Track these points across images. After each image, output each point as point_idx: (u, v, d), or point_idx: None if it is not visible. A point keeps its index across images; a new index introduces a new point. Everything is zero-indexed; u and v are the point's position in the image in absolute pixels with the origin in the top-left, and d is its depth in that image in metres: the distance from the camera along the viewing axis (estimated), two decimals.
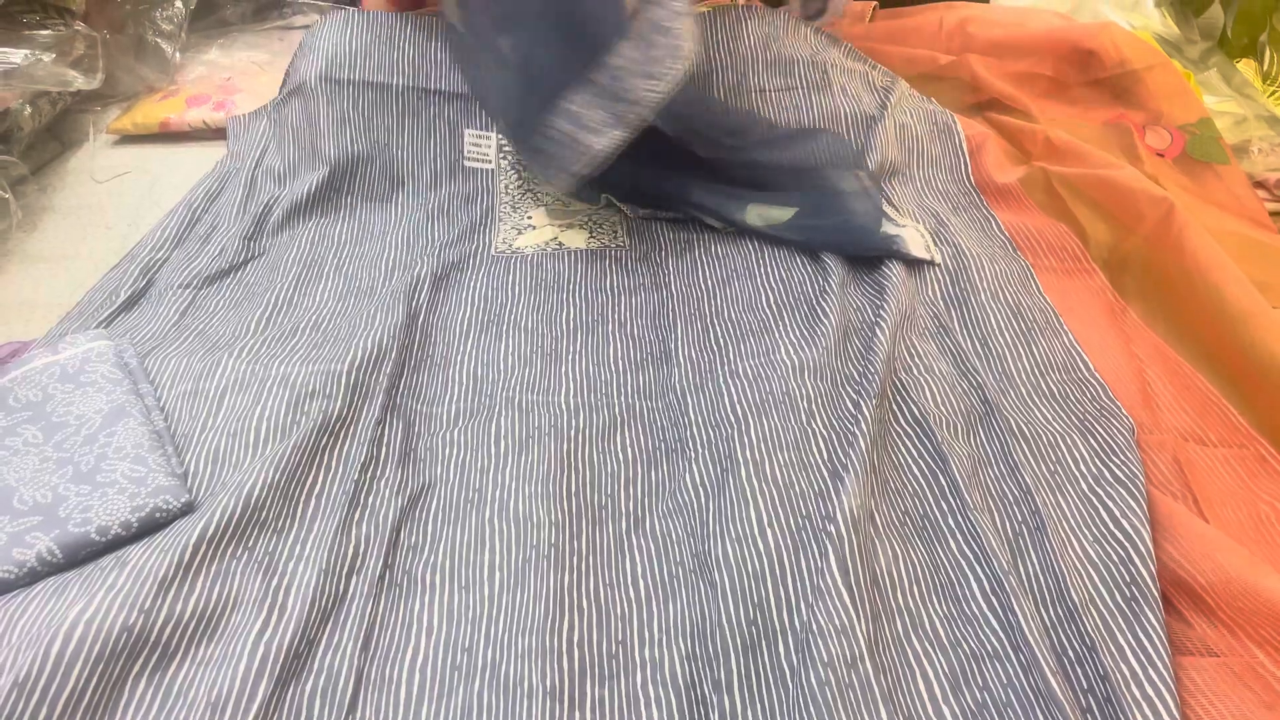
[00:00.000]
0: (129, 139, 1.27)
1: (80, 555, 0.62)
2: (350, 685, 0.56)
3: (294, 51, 1.19)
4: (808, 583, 0.58)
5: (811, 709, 0.51)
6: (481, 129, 1.16)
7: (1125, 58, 1.18)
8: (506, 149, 1.15)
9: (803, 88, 1.15)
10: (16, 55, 1.06)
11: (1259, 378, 0.72)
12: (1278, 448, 0.70)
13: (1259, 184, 1.23)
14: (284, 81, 1.18)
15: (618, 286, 0.95)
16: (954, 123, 1.14)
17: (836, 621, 0.54)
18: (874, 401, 0.71)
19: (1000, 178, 1.07)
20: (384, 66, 1.13)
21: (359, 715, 0.56)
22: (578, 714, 0.54)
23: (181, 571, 0.59)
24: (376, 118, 1.12)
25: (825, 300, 0.87)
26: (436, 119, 1.15)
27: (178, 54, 1.32)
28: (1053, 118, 1.21)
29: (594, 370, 0.84)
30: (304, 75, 1.13)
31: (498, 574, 0.64)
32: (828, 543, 0.59)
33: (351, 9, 1.19)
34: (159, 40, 1.31)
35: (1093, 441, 0.69)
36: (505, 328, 0.89)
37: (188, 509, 0.65)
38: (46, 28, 1.19)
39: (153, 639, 0.56)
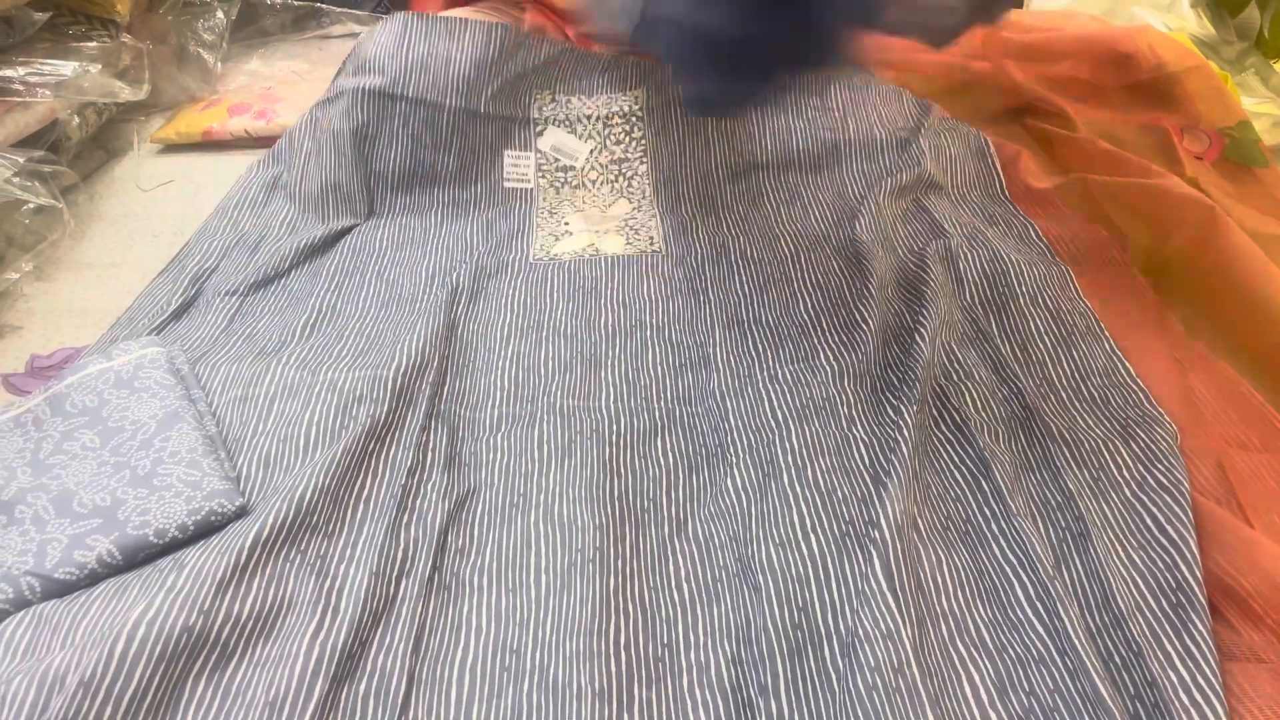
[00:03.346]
0: (172, 148, 1.30)
1: (139, 557, 0.63)
2: (403, 686, 0.57)
3: (345, 57, 1.18)
4: (852, 587, 0.58)
5: (859, 713, 0.52)
6: (520, 150, 1.17)
7: (1162, 60, 1.17)
8: (545, 167, 1.16)
9: (839, 110, 1.16)
10: (66, 68, 1.09)
11: None
12: None
13: None
14: (334, 83, 1.16)
15: (655, 292, 0.96)
16: (986, 143, 1.14)
17: (882, 626, 0.54)
18: (914, 407, 0.72)
19: (1037, 186, 1.07)
20: (438, 84, 1.11)
21: (411, 715, 0.57)
22: (626, 715, 0.55)
23: (238, 573, 0.60)
24: (425, 136, 1.12)
25: (864, 305, 0.87)
26: (480, 142, 1.15)
27: (219, 64, 1.34)
28: (1090, 121, 1.21)
29: (634, 375, 0.85)
30: (356, 84, 1.11)
31: (544, 577, 0.65)
32: (872, 548, 0.60)
33: (409, 14, 1.16)
34: (201, 50, 1.33)
35: (1135, 447, 0.69)
36: (545, 333, 0.90)
37: (241, 512, 0.67)
38: (92, 39, 1.22)
39: (212, 639, 0.57)
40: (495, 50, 1.14)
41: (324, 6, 1.49)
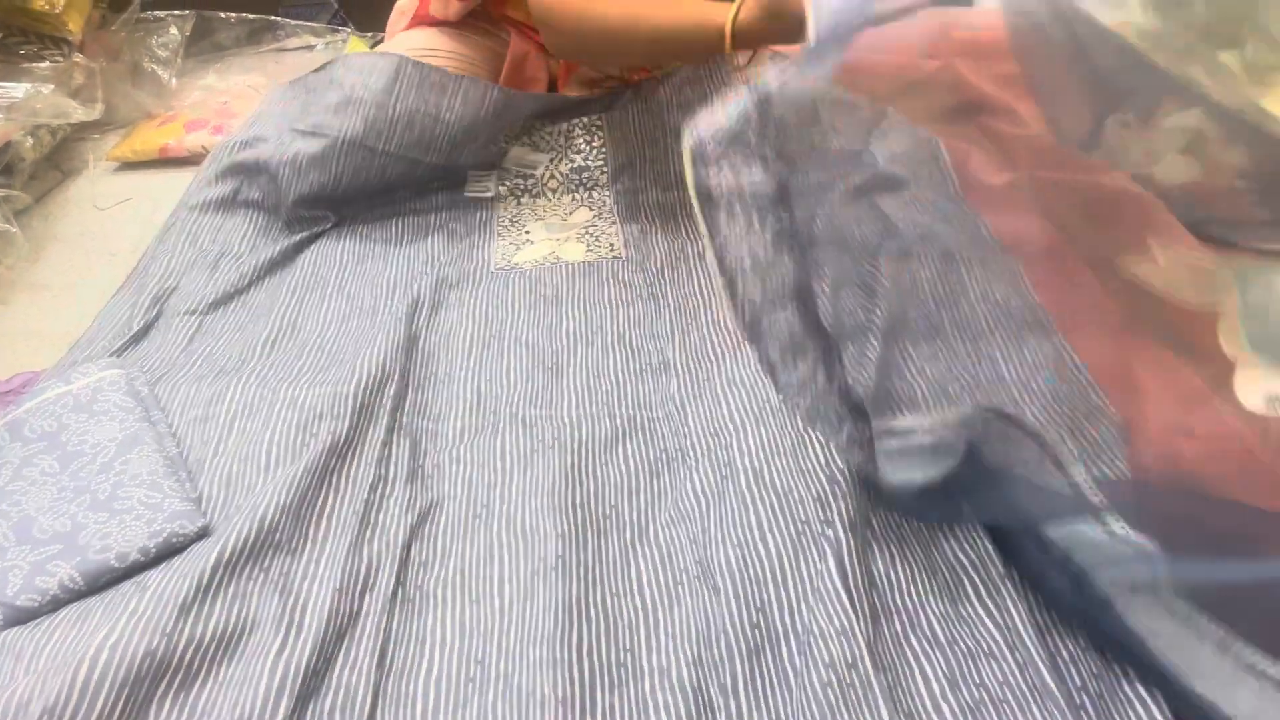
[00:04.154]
0: (129, 166, 1.29)
1: (101, 581, 0.64)
2: (368, 701, 0.58)
3: (317, 68, 1.15)
4: (808, 585, 0.60)
5: (815, 709, 0.53)
6: (483, 169, 1.17)
7: None
8: (506, 178, 1.16)
9: None
10: (18, 90, 1.08)
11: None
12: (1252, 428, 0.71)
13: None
14: (307, 104, 1.10)
15: (615, 298, 0.97)
16: (937, 144, 1.15)
17: (836, 624, 0.56)
18: (868, 406, 0.73)
19: (988, 183, 1.08)
20: (423, 143, 1.07)
21: None
22: None
23: (200, 594, 0.61)
24: (398, 182, 1.11)
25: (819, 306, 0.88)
26: (451, 175, 1.15)
27: (174, 79, 1.34)
28: (1039, 116, 1.23)
29: (594, 382, 0.85)
30: (337, 131, 1.04)
31: (507, 587, 0.65)
32: (826, 546, 0.61)
33: (403, 59, 1.09)
34: (155, 66, 1.33)
35: (1082, 440, 0.71)
36: (506, 343, 0.91)
37: (203, 533, 0.67)
38: (45, 59, 1.22)
39: (175, 661, 0.57)
40: (486, 112, 1.10)
41: (280, 20, 1.49)
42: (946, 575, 0.62)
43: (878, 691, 0.52)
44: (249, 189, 1.09)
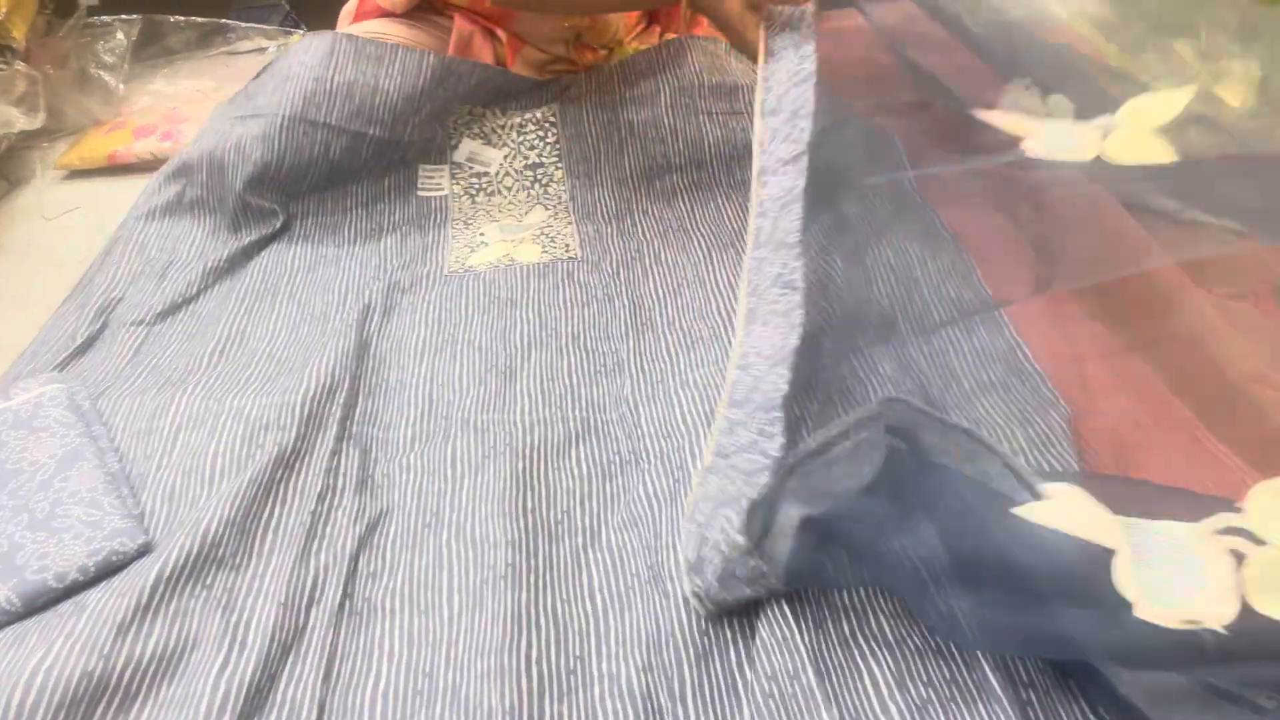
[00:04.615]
0: (77, 174, 1.27)
1: (39, 602, 0.62)
2: (314, 716, 0.57)
3: (261, 69, 1.14)
4: None
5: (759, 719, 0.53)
6: (435, 164, 1.16)
7: None
8: (459, 175, 1.15)
9: (747, 112, 1.16)
10: None
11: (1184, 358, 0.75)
12: (1208, 425, 0.72)
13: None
14: (251, 97, 1.11)
15: (570, 299, 0.96)
16: (894, 138, 1.15)
17: (778, 634, 0.56)
18: (818, 406, 0.73)
19: (944, 176, 1.09)
20: (363, 114, 1.07)
21: None
22: None
23: (140, 613, 0.60)
24: (344, 162, 1.09)
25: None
26: (399, 161, 1.14)
27: (121, 85, 1.32)
28: (993, 105, 1.23)
29: (548, 385, 0.85)
30: (276, 108, 1.05)
31: (456, 596, 0.65)
32: None
33: (337, 34, 1.10)
34: (102, 72, 1.31)
35: (1031, 432, 0.71)
36: (459, 347, 0.90)
37: (145, 550, 0.66)
38: None
39: (113, 683, 0.56)
40: (425, 81, 1.10)
41: (230, 23, 1.47)
42: None
43: (820, 701, 0.52)
44: (193, 187, 1.08)
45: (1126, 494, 0.57)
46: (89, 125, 1.32)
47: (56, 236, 1.16)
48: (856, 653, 0.57)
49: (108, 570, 0.64)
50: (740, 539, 0.57)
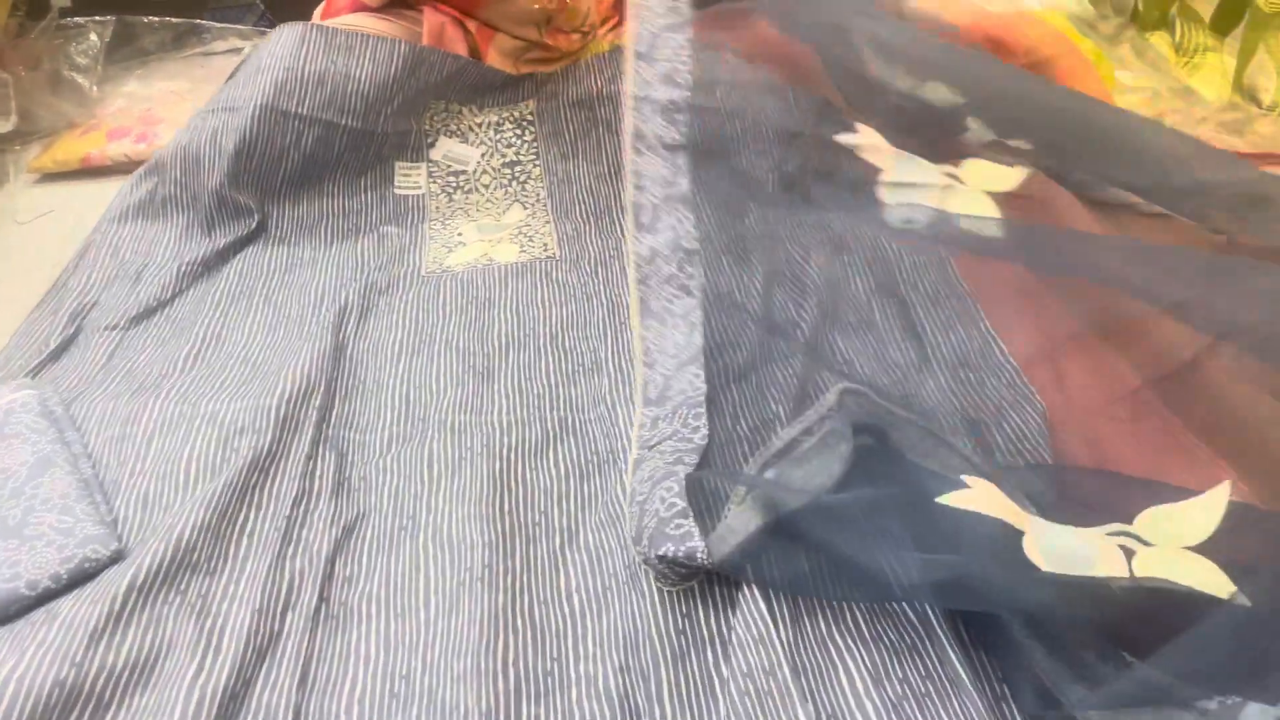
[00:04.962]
0: (51, 177, 1.26)
1: (11, 610, 0.62)
2: None
3: (234, 68, 1.14)
4: (730, 590, 0.59)
5: (734, 717, 0.53)
6: (411, 161, 1.16)
7: (1034, 45, 1.21)
8: (436, 174, 1.15)
9: (726, 105, 1.15)
10: None
11: None
12: (1177, 413, 0.72)
13: None
14: (224, 92, 1.10)
15: (548, 299, 0.96)
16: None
17: (754, 631, 0.56)
18: (792, 405, 0.73)
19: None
20: (335, 103, 1.07)
21: None
22: None
23: (113, 621, 0.59)
24: (318, 154, 1.09)
25: (750, 302, 0.88)
26: (373, 155, 1.14)
27: (95, 87, 1.31)
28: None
29: (526, 385, 0.84)
30: (247, 99, 1.05)
31: (433, 599, 0.64)
32: None
33: (307, 25, 1.11)
34: (75, 74, 1.29)
35: (1007, 427, 0.72)
36: (437, 348, 0.90)
37: (118, 557, 0.65)
38: None
39: (85, 691, 0.56)
40: (397, 69, 1.10)
41: (205, 23, 1.46)
42: None
43: (795, 699, 0.52)
44: (167, 185, 1.07)
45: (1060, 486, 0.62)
46: (62, 128, 1.31)
47: (30, 240, 1.14)
48: (833, 649, 0.57)
49: (80, 577, 0.63)
50: (679, 502, 0.61)
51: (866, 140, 0.93)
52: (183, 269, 1.00)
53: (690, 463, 0.66)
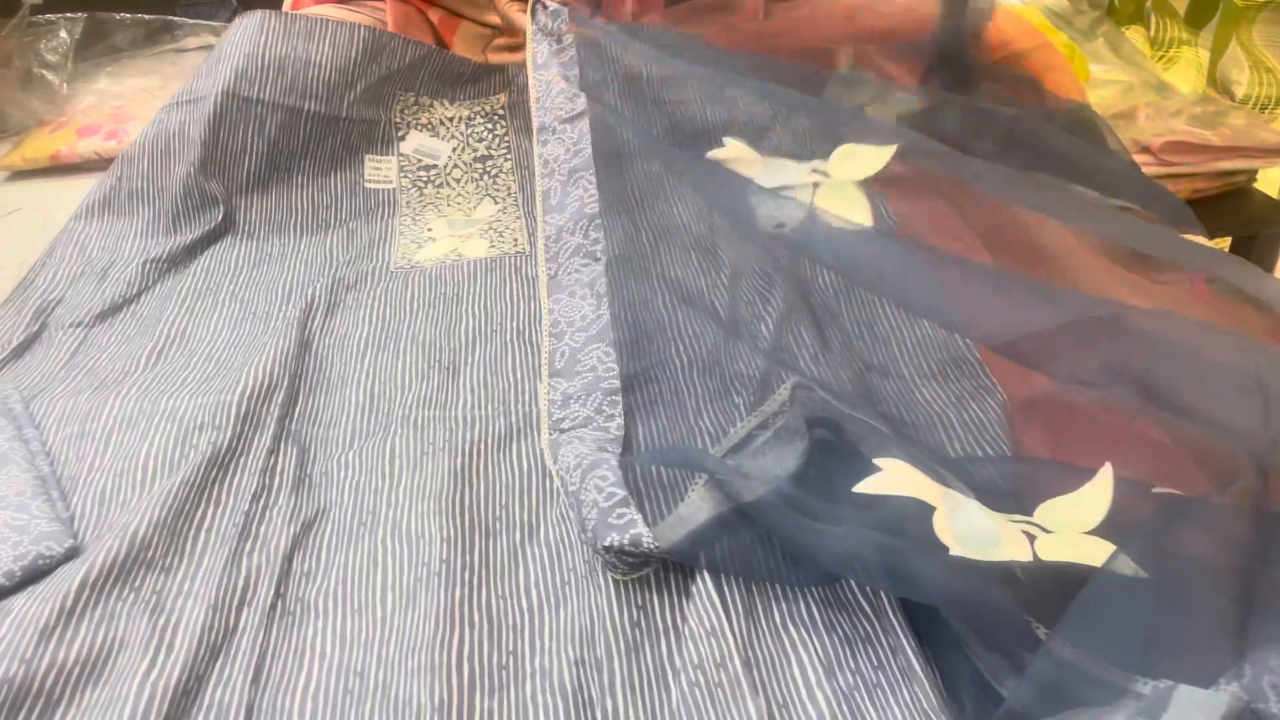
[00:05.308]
0: (20, 175, 1.25)
1: None
2: (241, 718, 0.57)
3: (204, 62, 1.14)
4: (684, 583, 0.59)
5: (684, 709, 0.53)
6: (381, 154, 1.16)
7: (1008, 39, 1.21)
8: (406, 168, 1.15)
9: (696, 101, 1.15)
10: None
11: None
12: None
13: (1144, 149, 1.27)
14: (187, 86, 1.11)
15: (517, 294, 0.96)
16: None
17: (706, 624, 0.56)
18: (753, 397, 0.73)
19: None
20: (297, 87, 1.08)
21: None
22: None
23: (64, 618, 0.59)
24: (283, 141, 1.10)
25: (716, 296, 0.88)
26: (341, 146, 1.13)
27: (65, 85, 1.30)
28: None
29: (491, 380, 0.84)
30: (209, 88, 1.06)
31: (390, 595, 0.64)
32: None
33: (266, 13, 1.11)
34: (44, 71, 1.29)
35: (967, 418, 0.72)
36: (403, 344, 0.89)
37: (73, 554, 0.65)
38: None
39: (35, 688, 0.55)
40: (357, 53, 1.11)
41: (177, 20, 1.45)
42: None
43: (745, 690, 0.52)
44: (134, 179, 1.07)
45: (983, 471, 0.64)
46: (32, 126, 1.30)
47: None
48: (786, 641, 0.57)
49: (34, 575, 0.63)
50: (619, 491, 0.62)
51: (734, 154, 0.94)
52: (149, 266, 0.99)
53: (614, 452, 0.68)
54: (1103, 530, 0.56)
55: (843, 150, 0.89)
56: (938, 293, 0.72)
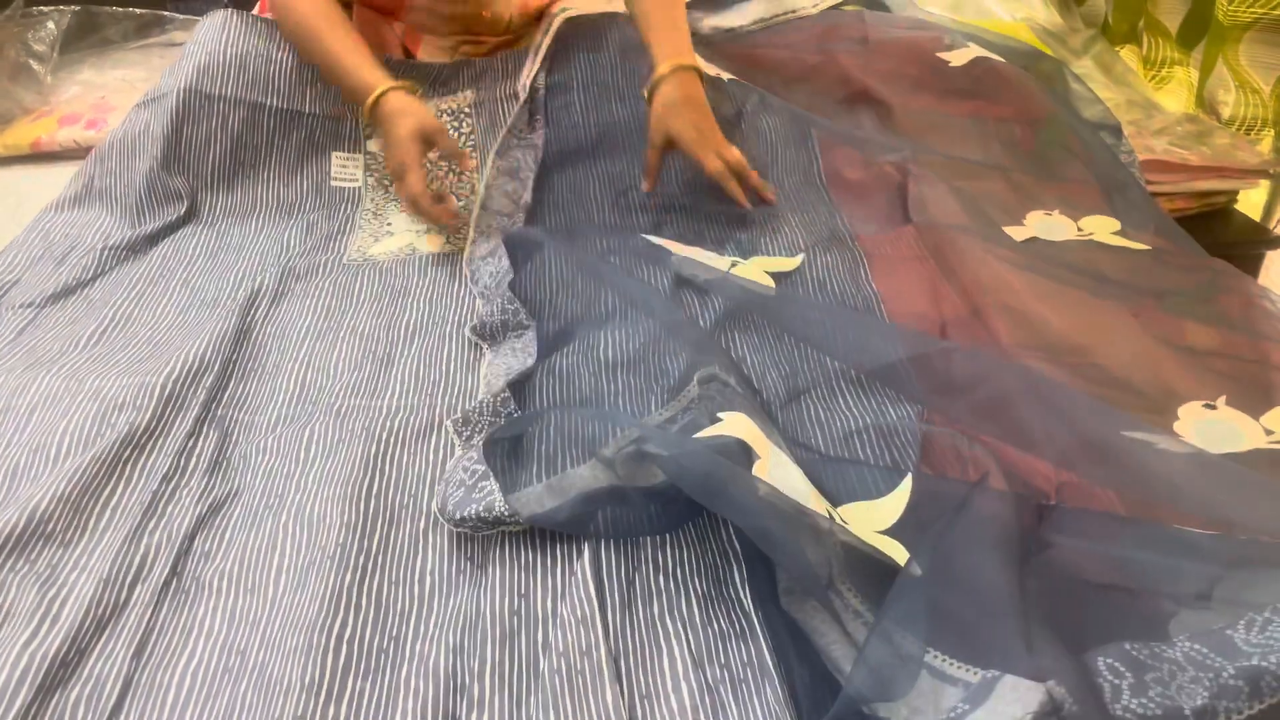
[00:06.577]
0: (1, 161, 1.27)
1: None
2: (116, 691, 0.57)
3: None
4: (565, 572, 0.59)
5: (543, 693, 0.52)
6: (349, 151, 1.17)
7: None
8: (373, 166, 1.16)
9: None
10: None
11: None
12: None
13: None
14: (159, 84, 1.13)
15: (464, 288, 0.96)
16: (808, 129, 1.15)
17: (578, 613, 0.56)
18: (671, 398, 0.72)
19: (850, 174, 1.09)
20: (259, 82, 1.11)
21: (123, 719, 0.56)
22: (333, 708, 0.55)
23: None
24: (247, 136, 1.11)
25: (655, 298, 0.88)
26: (306, 142, 1.15)
27: (49, 74, 1.32)
28: (917, 109, 1.23)
29: (424, 371, 0.84)
30: (171, 85, 1.09)
31: (283, 576, 0.64)
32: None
33: (228, 11, 1.14)
34: (31, 61, 1.31)
35: (883, 425, 0.71)
36: (342, 334, 0.90)
37: None
38: None
39: None
40: None
41: (168, 14, 1.47)
42: (716, 557, 0.62)
43: (607, 677, 0.52)
44: (103, 176, 1.09)
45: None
46: (18, 113, 1.33)
47: None
48: (660, 633, 0.56)
49: None
50: (479, 466, 0.66)
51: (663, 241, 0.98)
52: (107, 253, 1.01)
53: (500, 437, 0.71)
54: (895, 530, 0.58)
55: (757, 258, 0.96)
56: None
